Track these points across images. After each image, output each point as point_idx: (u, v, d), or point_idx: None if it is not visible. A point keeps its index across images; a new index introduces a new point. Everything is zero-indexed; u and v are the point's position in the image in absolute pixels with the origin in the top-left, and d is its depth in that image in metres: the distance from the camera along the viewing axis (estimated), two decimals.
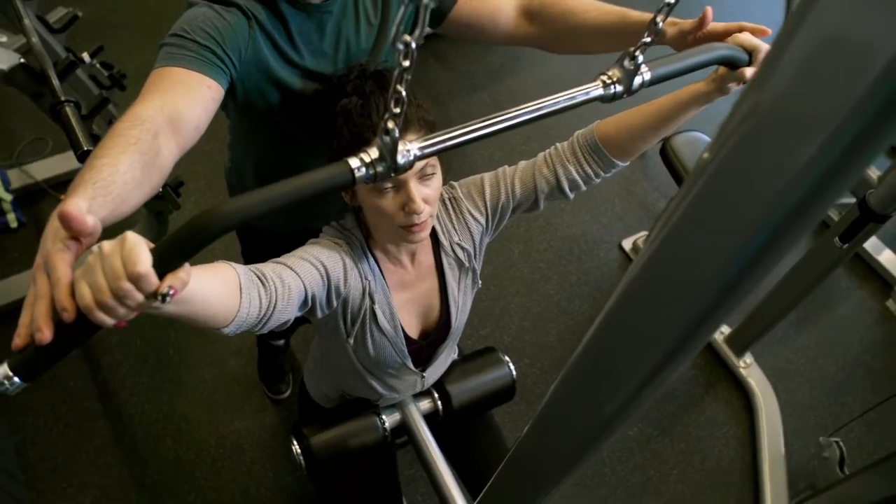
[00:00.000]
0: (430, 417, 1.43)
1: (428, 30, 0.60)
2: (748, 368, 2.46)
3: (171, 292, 0.62)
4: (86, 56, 2.19)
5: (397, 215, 1.04)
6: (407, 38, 0.54)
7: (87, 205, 0.71)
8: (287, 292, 0.96)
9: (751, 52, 0.95)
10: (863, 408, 2.43)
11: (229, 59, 1.06)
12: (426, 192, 1.04)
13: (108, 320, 0.62)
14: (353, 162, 0.64)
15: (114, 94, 2.20)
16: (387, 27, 1.23)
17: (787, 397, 2.45)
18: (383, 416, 1.39)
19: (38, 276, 0.66)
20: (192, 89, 0.98)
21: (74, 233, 0.65)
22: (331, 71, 1.19)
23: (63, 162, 2.62)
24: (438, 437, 1.42)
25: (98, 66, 2.21)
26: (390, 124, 0.62)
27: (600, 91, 0.79)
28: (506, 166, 1.21)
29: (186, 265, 0.64)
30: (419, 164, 1.02)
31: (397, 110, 0.60)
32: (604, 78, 0.80)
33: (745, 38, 0.96)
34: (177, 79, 0.98)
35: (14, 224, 2.46)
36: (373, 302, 1.15)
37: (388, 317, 1.19)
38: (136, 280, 0.59)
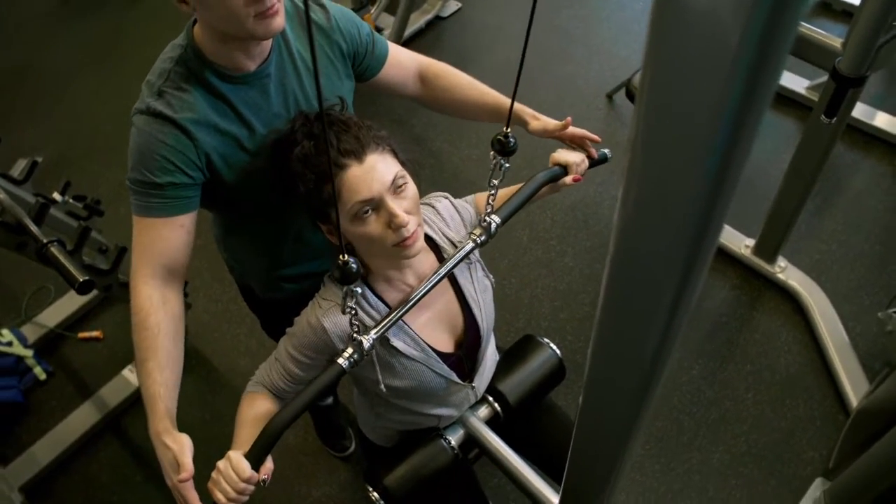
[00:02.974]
0: (492, 423, 1.42)
1: None
2: (785, 271, 2.43)
3: (266, 478, 1.03)
4: (56, 195, 2.22)
5: (386, 235, 1.05)
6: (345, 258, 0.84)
7: (170, 422, 1.07)
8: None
9: (566, 165, 1.30)
10: None
11: (190, 178, 1.13)
12: (405, 204, 1.06)
13: None
14: (341, 360, 1.03)
15: (94, 221, 2.23)
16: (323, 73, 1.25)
17: (833, 286, 2.42)
18: (448, 437, 1.37)
19: (178, 500, 1.05)
20: (171, 238, 1.16)
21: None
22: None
23: (69, 302, 2.64)
24: (507, 438, 1.40)
25: (71, 200, 2.24)
26: (356, 335, 1.03)
27: (472, 246, 1.17)
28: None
29: (269, 456, 1.03)
30: (388, 179, 1.04)
31: (356, 334, 1.03)
32: (472, 237, 1.17)
33: (560, 156, 1.31)
34: (154, 232, 1.16)
35: (43, 376, 2.48)
36: (387, 338, 1.16)
37: (411, 344, 1.19)
38: (247, 481, 0.99)
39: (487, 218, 1.16)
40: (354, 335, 1.03)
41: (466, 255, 1.16)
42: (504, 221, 1.19)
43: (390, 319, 1.09)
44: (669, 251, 0.47)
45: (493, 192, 1.13)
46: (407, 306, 1.11)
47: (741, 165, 0.39)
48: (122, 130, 1.17)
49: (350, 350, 1.03)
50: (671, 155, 0.41)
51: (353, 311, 0.99)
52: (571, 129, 1.34)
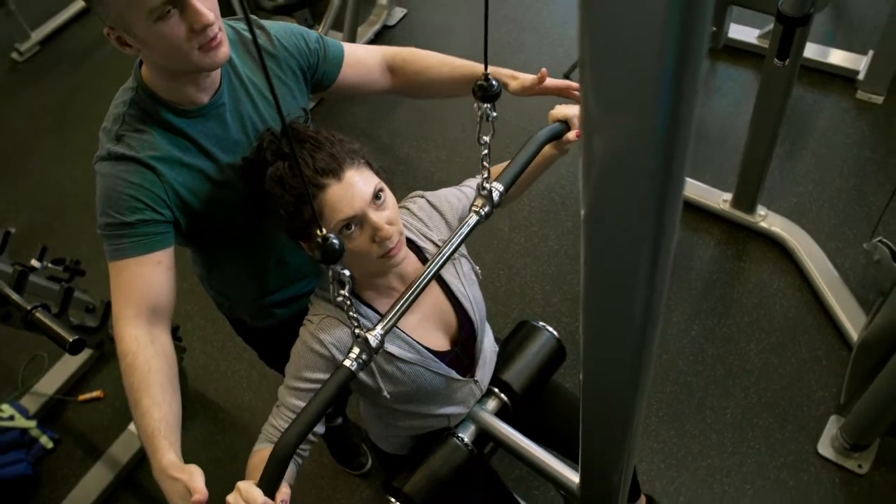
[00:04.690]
0: (502, 414, 1.42)
1: None
2: (766, 219, 2.45)
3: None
4: (34, 262, 2.20)
5: (371, 249, 1.05)
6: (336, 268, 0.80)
7: (175, 456, 1.01)
8: None
9: (567, 121, 1.21)
10: (886, 199, 2.43)
11: (160, 215, 1.11)
12: (386, 215, 1.06)
13: None
14: (349, 363, 0.92)
15: (77, 281, 2.21)
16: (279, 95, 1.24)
17: (815, 225, 2.44)
18: (460, 434, 1.37)
19: None
20: (148, 275, 1.12)
21: None
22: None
23: (65, 367, 2.61)
24: (519, 427, 1.40)
25: (50, 265, 2.22)
26: (358, 331, 0.91)
27: (476, 219, 1.06)
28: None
29: (285, 482, 0.96)
30: (369, 193, 1.03)
31: (358, 330, 0.91)
32: (475, 209, 1.07)
33: (558, 112, 1.23)
34: (131, 273, 1.11)
35: (50, 444, 2.46)
36: (381, 345, 1.15)
37: (405, 347, 1.19)
38: None
39: (487, 185, 1.06)
40: (357, 331, 0.92)
41: (473, 229, 1.06)
42: (507, 188, 1.09)
43: (397, 310, 0.99)
44: (637, 205, 0.48)
45: (485, 151, 1.03)
46: (411, 294, 1.00)
47: (692, 99, 0.39)
48: (90, 188, 1.15)
49: (357, 350, 0.93)
50: (621, 106, 0.41)
51: (349, 302, 0.86)
52: (551, 81, 1.28)
